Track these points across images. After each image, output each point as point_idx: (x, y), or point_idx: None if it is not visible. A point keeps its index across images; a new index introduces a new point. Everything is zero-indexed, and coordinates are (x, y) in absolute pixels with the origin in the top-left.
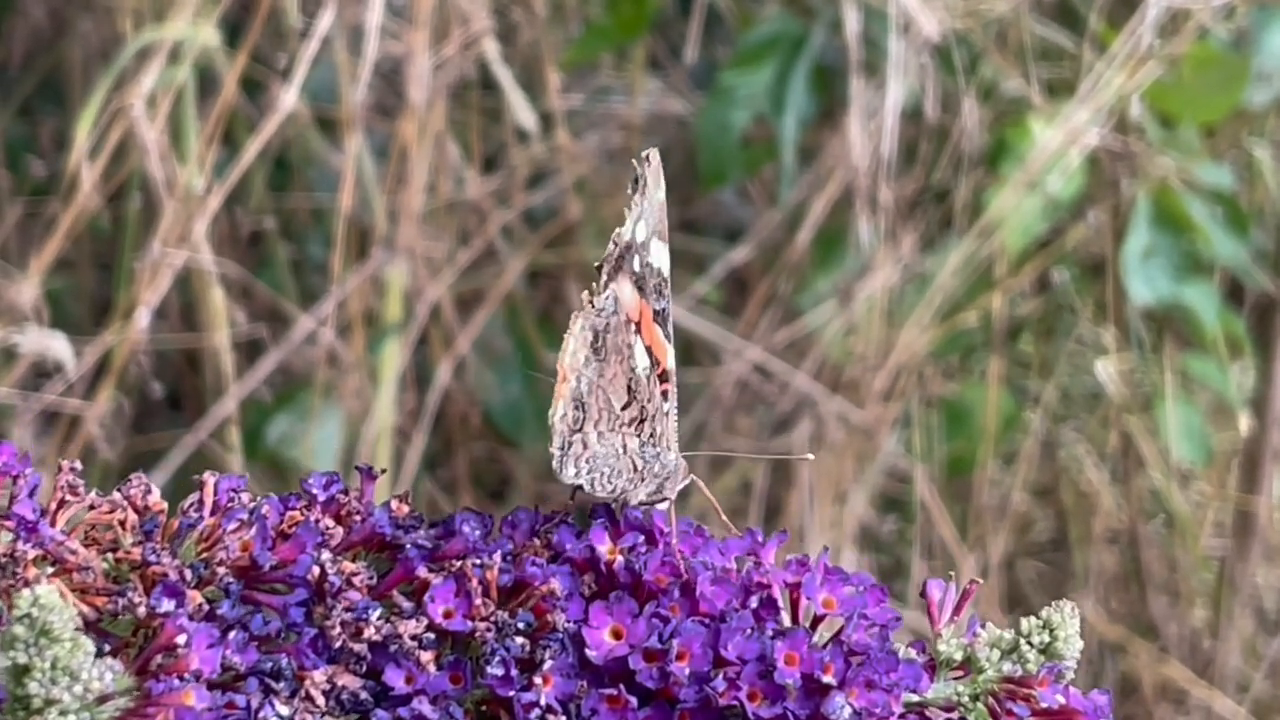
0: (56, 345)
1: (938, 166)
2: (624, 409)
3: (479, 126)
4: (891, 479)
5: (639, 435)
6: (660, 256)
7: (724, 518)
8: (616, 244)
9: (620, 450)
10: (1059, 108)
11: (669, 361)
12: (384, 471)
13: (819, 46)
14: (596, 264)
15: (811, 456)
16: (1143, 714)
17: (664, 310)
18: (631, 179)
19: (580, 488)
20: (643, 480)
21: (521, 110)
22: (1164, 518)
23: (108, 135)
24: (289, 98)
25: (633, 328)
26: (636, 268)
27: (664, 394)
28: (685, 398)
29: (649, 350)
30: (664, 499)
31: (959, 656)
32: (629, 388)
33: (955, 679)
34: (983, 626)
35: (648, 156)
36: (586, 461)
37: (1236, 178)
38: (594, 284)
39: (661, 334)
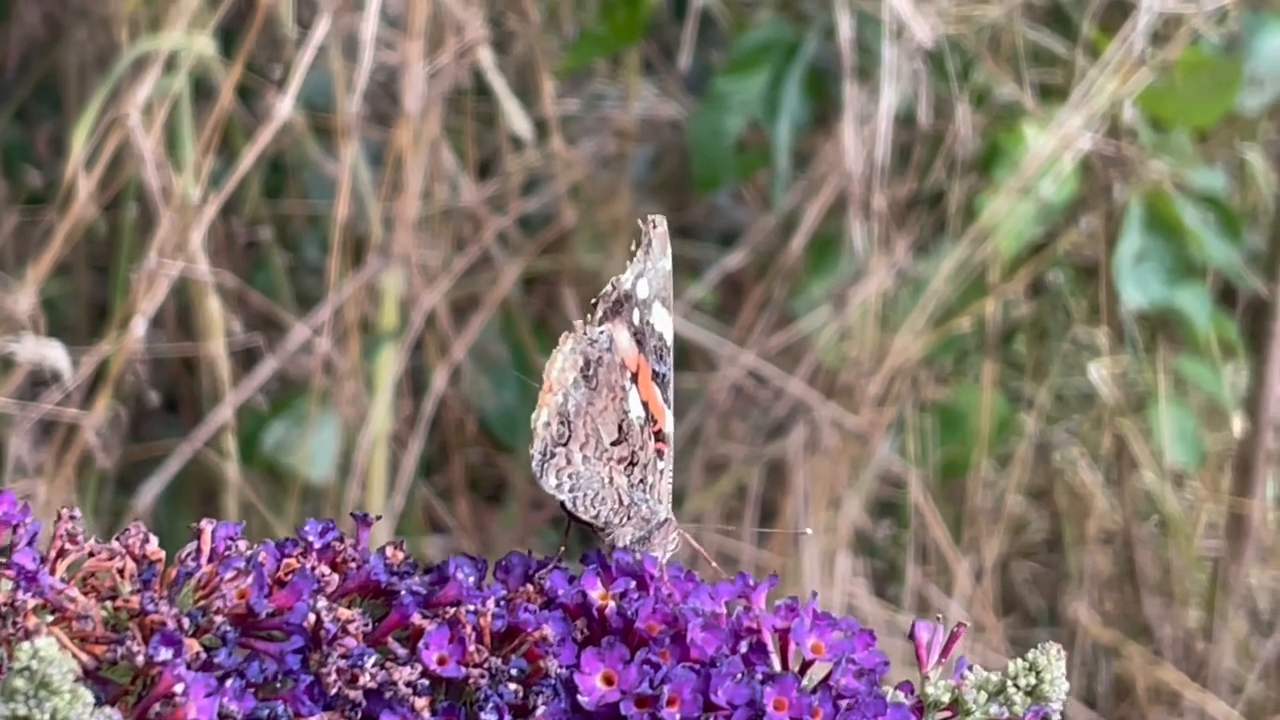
0: (53, 354)
1: (931, 172)
2: (614, 444)
3: (474, 133)
4: (886, 483)
5: (628, 475)
6: (663, 322)
7: (714, 564)
8: (615, 287)
9: (606, 480)
10: (1052, 113)
11: (667, 425)
12: (379, 518)
13: (812, 52)
14: (593, 300)
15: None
16: (1136, 716)
17: (664, 375)
18: (635, 238)
19: (563, 503)
20: (629, 519)
21: (516, 117)
22: (1158, 519)
23: (104, 144)
24: (284, 106)
25: (629, 375)
26: (636, 321)
27: (659, 453)
28: (680, 403)
29: (645, 405)
30: (652, 553)
31: (946, 699)
32: (620, 427)
33: None
34: (970, 669)
35: (654, 221)
36: (569, 476)
37: (1229, 181)
38: (588, 314)
39: (660, 397)
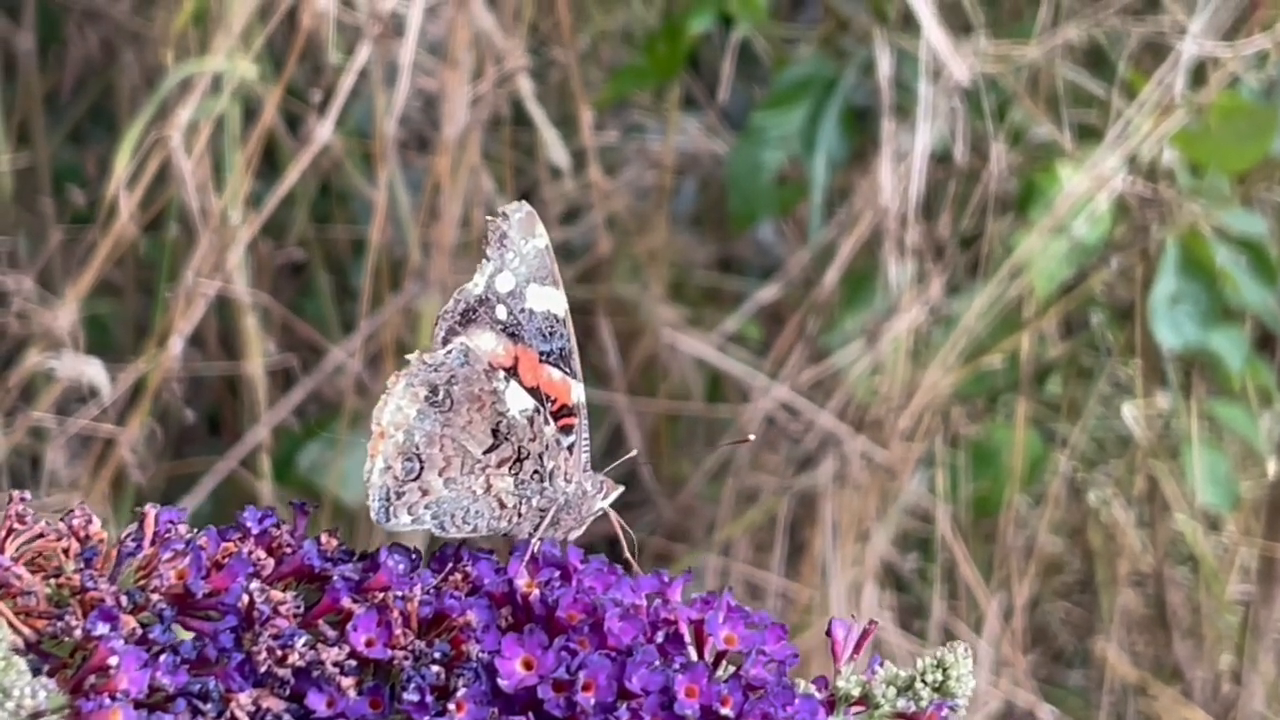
0: (92, 370)
1: (966, 210)
2: (488, 452)
3: (512, 161)
4: (915, 518)
5: (514, 474)
6: (546, 299)
7: (628, 555)
8: (460, 299)
9: (479, 492)
10: (1088, 153)
11: (574, 397)
12: (317, 507)
13: (851, 88)
14: (436, 319)
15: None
16: None
17: (562, 349)
18: (485, 235)
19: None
20: (519, 515)
21: (555, 146)
22: (1190, 562)
23: (147, 164)
24: (324, 130)
25: (500, 375)
26: (502, 316)
27: (565, 429)
28: (714, 432)
29: (535, 391)
30: (570, 528)
31: (856, 692)
32: (496, 431)
33: (854, 714)
34: (881, 664)
35: (505, 213)
36: (427, 507)
37: (1269, 225)
38: (426, 343)
39: (559, 373)
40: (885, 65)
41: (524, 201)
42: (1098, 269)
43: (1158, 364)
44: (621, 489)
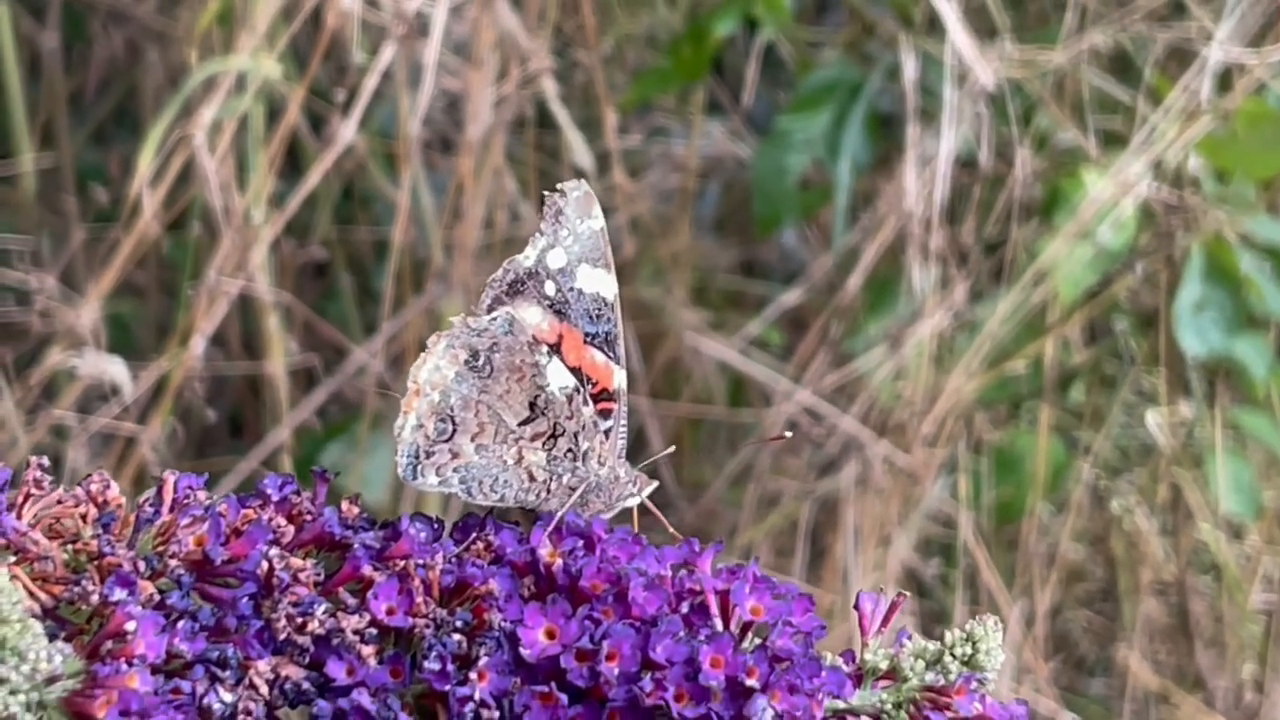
0: (114, 369)
1: (991, 215)
2: (523, 424)
3: (536, 163)
4: (937, 523)
5: (548, 449)
6: (596, 281)
7: (671, 529)
8: (509, 269)
9: (509, 462)
10: (1113, 159)
11: (615, 383)
12: (337, 474)
13: (876, 93)
14: (484, 286)
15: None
16: None
17: (608, 333)
18: (545, 208)
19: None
20: (548, 491)
21: (579, 148)
22: (1213, 571)
23: (170, 163)
24: (348, 131)
25: (543, 349)
26: (550, 292)
27: (604, 413)
28: (736, 436)
29: (577, 371)
30: (599, 511)
31: (884, 665)
32: (533, 405)
33: (881, 687)
34: (909, 637)
35: (564, 190)
36: (455, 470)
37: None
38: (472, 305)
39: (602, 356)
40: (910, 70)
41: (583, 180)
42: (1122, 275)
43: (1182, 371)
44: (656, 484)
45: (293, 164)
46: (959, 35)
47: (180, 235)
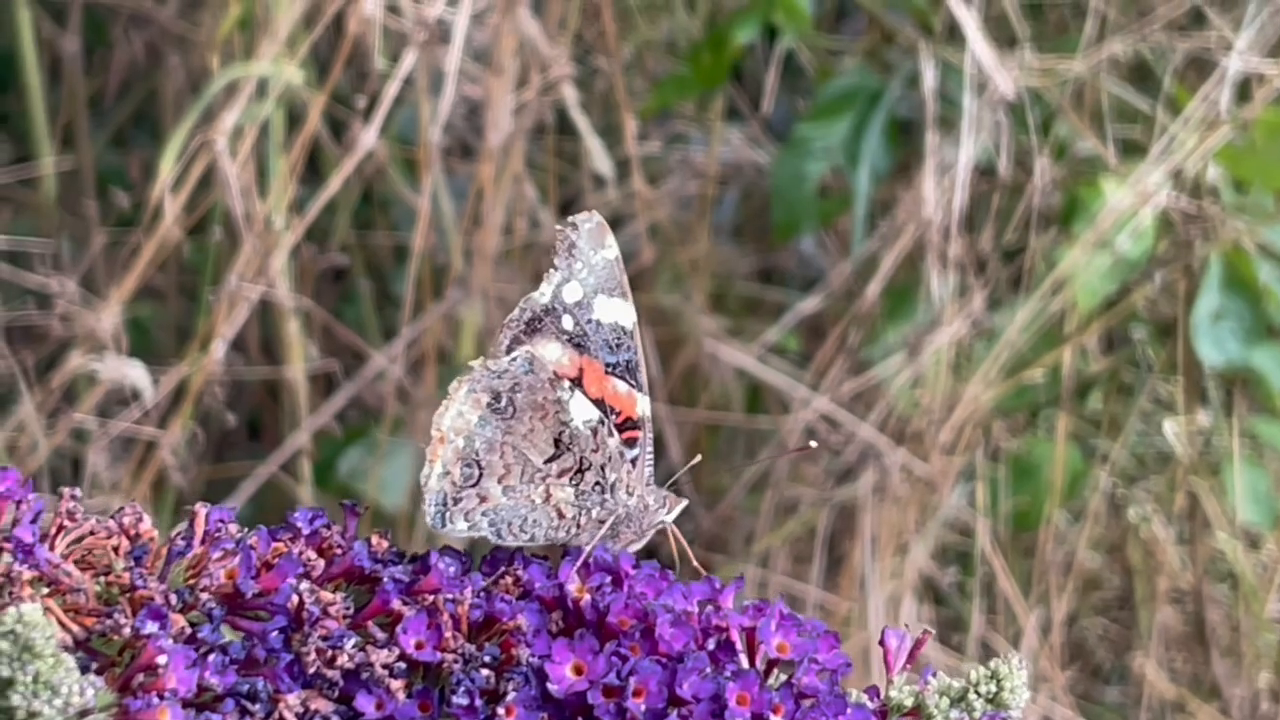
0: (134, 373)
1: (1010, 224)
2: (549, 461)
3: (556, 170)
4: (954, 531)
5: (575, 485)
6: (614, 311)
7: (695, 563)
8: (525, 307)
9: (538, 501)
10: (1132, 168)
11: (639, 410)
12: (367, 509)
13: (895, 101)
14: (500, 327)
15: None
16: None
17: (629, 361)
18: (558, 242)
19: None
20: (578, 526)
21: (598, 155)
22: (1229, 579)
23: (191, 168)
24: (369, 137)
25: (565, 385)
26: (568, 327)
27: (629, 441)
28: (754, 443)
29: (600, 403)
30: (630, 541)
31: (909, 703)
32: (558, 441)
33: None
34: (934, 675)
35: (575, 223)
36: (484, 514)
37: None
38: (490, 347)
39: (624, 385)
40: (930, 78)
41: (594, 212)
42: (1140, 284)
43: (1199, 380)
44: (685, 503)
45: (313, 169)
46: (979, 44)
47: (201, 240)
